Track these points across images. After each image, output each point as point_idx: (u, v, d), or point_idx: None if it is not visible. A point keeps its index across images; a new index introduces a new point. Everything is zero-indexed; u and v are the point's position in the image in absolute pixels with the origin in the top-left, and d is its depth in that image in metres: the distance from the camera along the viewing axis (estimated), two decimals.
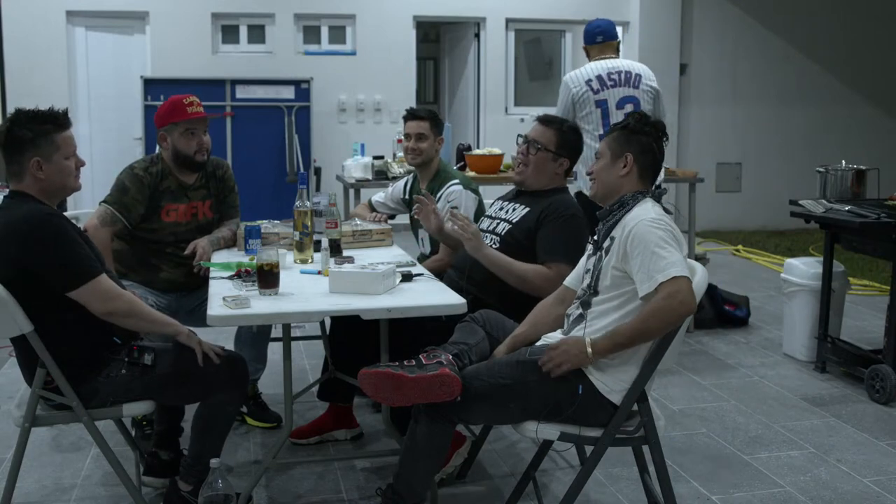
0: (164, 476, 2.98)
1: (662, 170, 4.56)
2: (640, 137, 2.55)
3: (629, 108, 4.36)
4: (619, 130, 2.59)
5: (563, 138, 3.18)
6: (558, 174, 3.20)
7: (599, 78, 4.37)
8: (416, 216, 3.41)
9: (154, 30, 8.32)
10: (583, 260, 2.66)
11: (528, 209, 3.16)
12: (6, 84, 7.90)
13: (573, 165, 3.28)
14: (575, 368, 2.39)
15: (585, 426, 2.44)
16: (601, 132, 4.31)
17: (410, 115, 3.82)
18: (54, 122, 2.54)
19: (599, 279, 2.49)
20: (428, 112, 3.86)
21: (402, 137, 3.86)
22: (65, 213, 2.73)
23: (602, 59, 4.47)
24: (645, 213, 2.44)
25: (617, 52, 4.61)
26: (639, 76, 4.43)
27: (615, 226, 2.49)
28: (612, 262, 2.45)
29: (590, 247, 2.63)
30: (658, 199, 2.57)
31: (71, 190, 2.63)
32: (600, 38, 4.55)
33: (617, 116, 4.35)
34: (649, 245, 2.34)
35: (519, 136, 3.27)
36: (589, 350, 2.36)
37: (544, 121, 3.24)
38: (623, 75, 4.41)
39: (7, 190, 2.61)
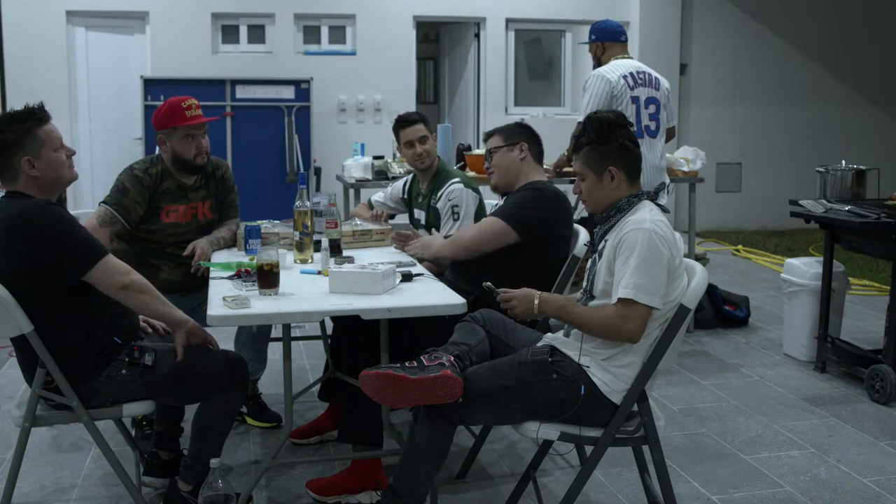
0: (164, 476, 2.99)
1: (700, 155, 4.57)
2: (611, 145, 2.50)
3: (652, 108, 4.42)
4: (587, 148, 2.52)
5: (508, 131, 3.27)
6: (524, 159, 3.23)
7: (632, 75, 4.41)
8: (407, 253, 3.35)
9: (154, 30, 8.31)
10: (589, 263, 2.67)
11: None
12: (6, 84, 7.89)
13: (532, 146, 3.26)
14: (521, 312, 2.53)
15: (586, 426, 2.44)
16: (635, 128, 4.34)
17: (405, 122, 3.75)
18: (33, 118, 2.54)
19: (594, 283, 2.49)
20: (419, 114, 3.85)
21: (402, 146, 3.78)
22: None
23: (624, 58, 4.52)
24: (642, 219, 2.40)
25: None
26: (658, 79, 4.51)
27: (611, 230, 2.48)
28: (603, 266, 2.45)
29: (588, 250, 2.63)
30: (655, 197, 2.55)
31: (67, 181, 2.62)
32: (623, 37, 4.60)
33: (644, 116, 4.38)
34: (631, 257, 2.34)
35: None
36: (536, 301, 2.49)
37: (487, 133, 3.35)
38: (647, 76, 4.47)
39: (3, 191, 2.61)
